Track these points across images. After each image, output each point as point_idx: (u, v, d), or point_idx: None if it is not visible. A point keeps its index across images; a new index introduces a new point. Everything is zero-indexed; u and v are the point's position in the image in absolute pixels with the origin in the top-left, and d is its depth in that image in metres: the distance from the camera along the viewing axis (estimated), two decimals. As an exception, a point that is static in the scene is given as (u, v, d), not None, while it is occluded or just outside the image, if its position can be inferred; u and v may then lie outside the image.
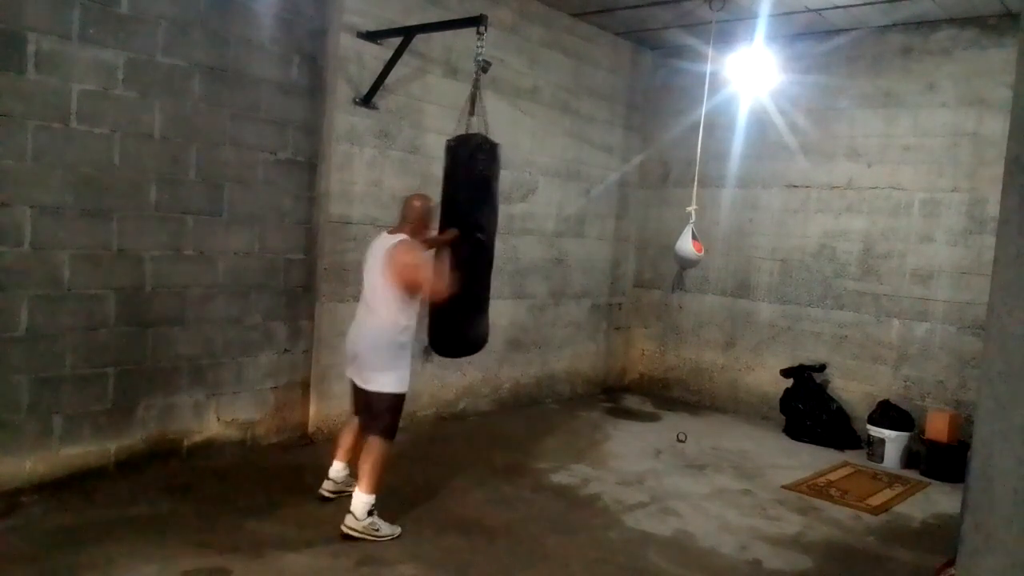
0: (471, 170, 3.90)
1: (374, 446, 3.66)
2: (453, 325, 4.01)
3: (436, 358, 5.68)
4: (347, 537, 3.57)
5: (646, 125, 7.56)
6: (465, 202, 3.96)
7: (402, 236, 3.73)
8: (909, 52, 6.09)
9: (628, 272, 7.74)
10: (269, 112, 4.69)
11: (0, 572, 3.05)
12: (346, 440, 4.03)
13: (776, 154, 6.74)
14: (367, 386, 3.73)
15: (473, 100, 4.01)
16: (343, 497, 3.91)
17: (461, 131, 4.00)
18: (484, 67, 4.07)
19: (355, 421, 3.98)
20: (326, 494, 4.01)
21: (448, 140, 4.03)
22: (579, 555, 3.68)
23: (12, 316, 3.73)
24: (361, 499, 3.61)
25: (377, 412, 3.72)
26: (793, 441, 6.18)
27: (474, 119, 3.93)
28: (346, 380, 4.02)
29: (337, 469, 4.04)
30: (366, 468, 3.63)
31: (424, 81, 5.42)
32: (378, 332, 3.69)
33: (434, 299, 3.72)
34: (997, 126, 5.59)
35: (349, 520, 3.60)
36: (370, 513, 3.61)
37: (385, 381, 3.69)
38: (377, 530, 3.61)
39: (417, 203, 3.82)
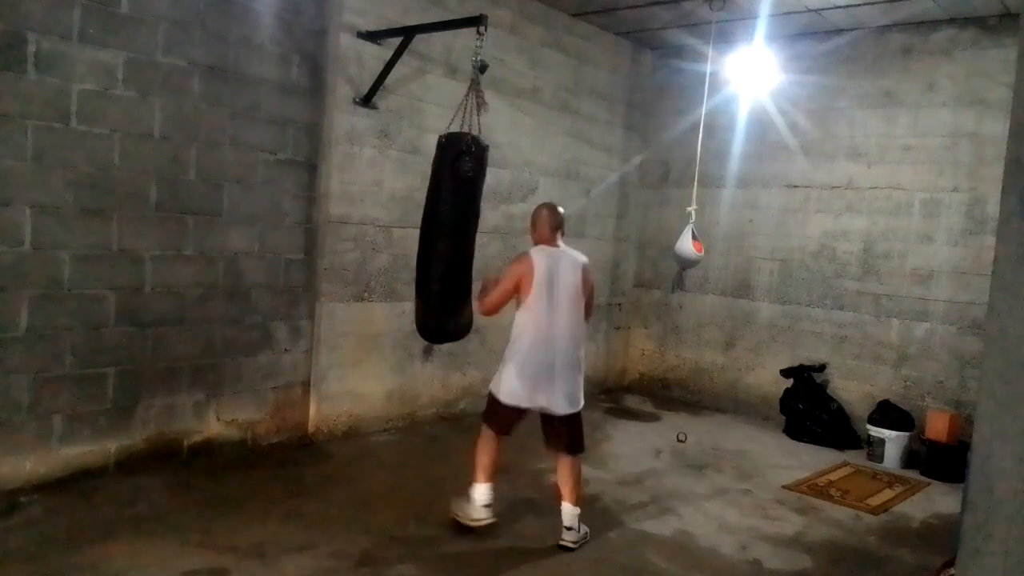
0: (459, 169, 3.88)
1: (577, 463, 3.82)
2: (446, 314, 4.05)
3: (436, 359, 5.77)
4: (568, 549, 3.71)
5: (646, 125, 7.56)
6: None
7: (575, 251, 3.88)
8: (909, 52, 6.08)
9: (628, 272, 7.74)
10: (269, 112, 4.69)
11: (0, 572, 3.05)
12: (495, 462, 3.84)
13: (776, 154, 6.74)
14: (573, 408, 3.78)
15: (478, 104, 4.00)
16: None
17: (464, 131, 3.99)
18: (482, 67, 4.06)
19: (499, 444, 3.86)
20: (488, 521, 3.78)
21: (440, 136, 4.03)
22: (579, 555, 3.69)
23: (12, 316, 3.73)
24: (577, 513, 3.75)
25: (578, 431, 3.85)
26: (793, 441, 6.18)
27: (473, 118, 3.92)
28: (500, 407, 3.88)
29: (486, 492, 3.79)
30: (575, 484, 3.77)
31: (424, 81, 5.42)
32: (581, 348, 3.84)
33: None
34: (997, 126, 5.59)
35: (570, 536, 3.73)
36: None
37: (582, 396, 3.86)
38: (585, 536, 3.83)
39: (560, 211, 3.88)
